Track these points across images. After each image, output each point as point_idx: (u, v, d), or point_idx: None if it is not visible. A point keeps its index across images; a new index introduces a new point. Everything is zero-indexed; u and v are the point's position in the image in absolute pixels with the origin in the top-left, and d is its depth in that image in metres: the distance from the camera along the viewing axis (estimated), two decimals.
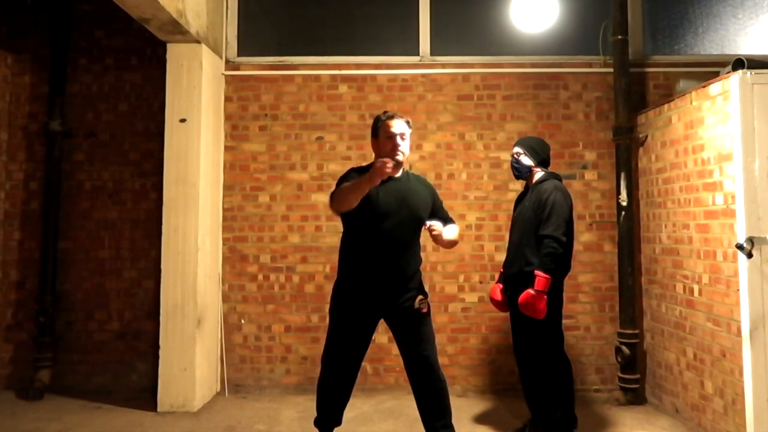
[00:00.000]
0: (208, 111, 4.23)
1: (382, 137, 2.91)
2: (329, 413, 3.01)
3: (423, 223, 2.91)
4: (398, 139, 2.87)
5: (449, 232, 2.96)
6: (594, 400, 4.18)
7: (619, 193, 4.23)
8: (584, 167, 4.46)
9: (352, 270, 2.93)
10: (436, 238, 2.89)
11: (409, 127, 2.95)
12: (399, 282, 2.88)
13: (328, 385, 2.99)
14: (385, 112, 3.01)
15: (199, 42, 4.09)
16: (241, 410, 4.01)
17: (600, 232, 4.41)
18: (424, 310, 2.91)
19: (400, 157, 2.87)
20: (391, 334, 3.00)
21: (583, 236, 4.34)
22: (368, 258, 2.88)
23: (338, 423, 3.05)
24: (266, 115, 4.56)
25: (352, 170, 2.97)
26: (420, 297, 2.91)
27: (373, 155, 3.00)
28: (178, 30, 3.86)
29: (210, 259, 4.25)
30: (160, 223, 4.06)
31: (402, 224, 2.86)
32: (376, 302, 2.88)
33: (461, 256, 4.41)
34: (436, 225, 2.85)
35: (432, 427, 2.90)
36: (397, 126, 2.88)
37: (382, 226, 2.84)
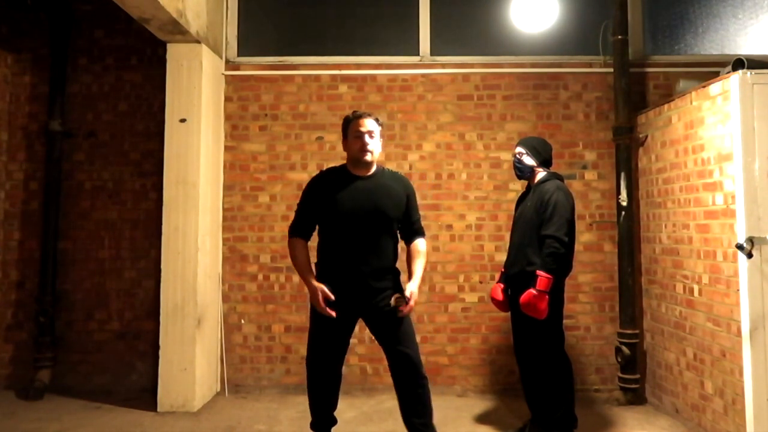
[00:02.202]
0: (208, 111, 4.23)
1: (350, 136, 2.90)
2: (322, 414, 3.01)
3: (391, 222, 2.90)
4: (366, 138, 2.85)
5: (417, 272, 2.95)
6: (594, 400, 4.18)
7: (619, 193, 4.23)
8: (584, 167, 4.46)
9: (324, 270, 2.92)
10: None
11: (379, 124, 2.94)
12: (370, 281, 2.85)
13: (313, 387, 2.98)
14: (354, 111, 2.99)
15: (199, 42, 4.09)
16: (241, 410, 4.00)
17: (600, 232, 4.41)
18: (402, 308, 2.87)
19: (368, 157, 2.86)
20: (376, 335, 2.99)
21: (583, 236, 4.34)
22: (337, 258, 2.88)
23: (333, 422, 3.04)
24: (266, 115, 4.56)
25: (315, 184, 2.96)
26: (396, 295, 2.88)
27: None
28: (178, 30, 3.86)
29: (210, 259, 4.25)
30: (160, 223, 4.06)
31: (368, 223, 2.84)
32: (350, 302, 2.85)
33: (461, 256, 4.41)
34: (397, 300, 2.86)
35: (411, 424, 2.89)
36: (366, 125, 2.86)
37: (347, 226, 2.83)
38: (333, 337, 2.91)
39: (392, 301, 2.86)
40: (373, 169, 2.95)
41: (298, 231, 2.98)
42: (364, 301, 2.86)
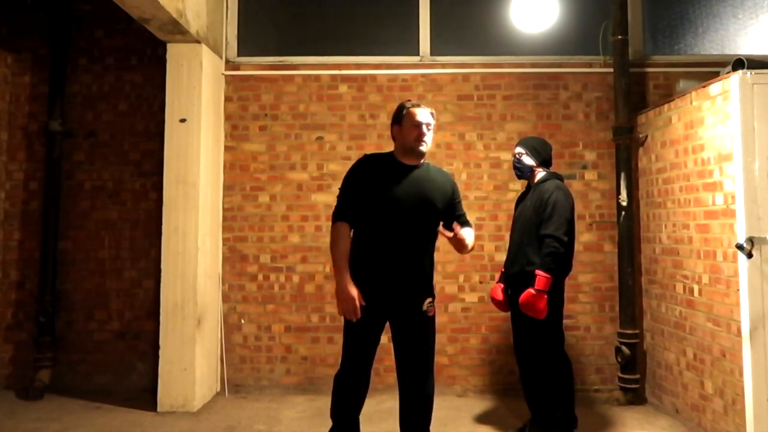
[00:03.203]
0: (208, 111, 4.23)
1: (407, 124, 2.84)
2: (348, 420, 2.92)
3: (438, 215, 2.84)
4: (424, 128, 2.82)
5: (468, 234, 2.85)
6: (594, 400, 4.18)
7: (619, 193, 4.23)
8: (584, 167, 4.46)
9: (359, 266, 2.79)
10: (459, 242, 2.79)
11: (434, 118, 2.91)
12: (407, 282, 2.78)
13: (345, 389, 2.90)
14: (409, 100, 2.97)
15: (199, 42, 4.09)
16: (241, 410, 4.01)
17: (600, 232, 4.41)
18: (431, 314, 2.83)
19: (423, 148, 2.83)
20: (391, 335, 2.91)
21: (583, 236, 4.34)
22: (375, 253, 2.77)
23: (358, 430, 2.97)
24: (266, 115, 4.56)
25: (361, 168, 2.88)
26: (428, 299, 2.82)
27: (393, 142, 2.95)
28: (178, 30, 3.87)
29: (210, 259, 4.25)
30: (160, 223, 4.06)
31: (415, 214, 2.77)
32: (383, 299, 2.75)
33: (461, 256, 4.39)
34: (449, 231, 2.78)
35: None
36: (424, 115, 2.84)
37: (392, 216, 2.75)
38: (368, 339, 2.83)
39: (424, 305, 2.79)
40: (422, 160, 2.91)
41: (344, 215, 2.81)
42: (395, 298, 2.76)
